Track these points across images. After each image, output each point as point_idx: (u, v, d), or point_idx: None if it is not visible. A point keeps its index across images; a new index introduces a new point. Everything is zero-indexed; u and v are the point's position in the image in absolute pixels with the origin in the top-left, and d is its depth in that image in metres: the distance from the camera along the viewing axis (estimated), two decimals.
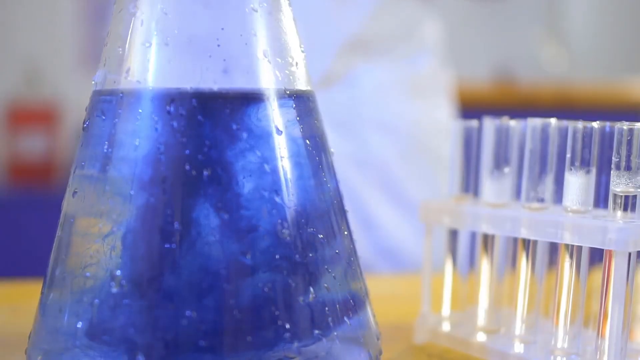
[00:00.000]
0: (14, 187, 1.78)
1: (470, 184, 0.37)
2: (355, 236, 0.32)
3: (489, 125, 0.35)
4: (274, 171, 0.28)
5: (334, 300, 0.28)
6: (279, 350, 0.26)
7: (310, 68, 0.32)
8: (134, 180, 0.27)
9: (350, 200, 0.60)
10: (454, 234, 0.37)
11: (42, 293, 0.29)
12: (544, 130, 0.33)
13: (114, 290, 0.26)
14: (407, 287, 0.54)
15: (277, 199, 0.27)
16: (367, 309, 0.31)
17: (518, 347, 0.34)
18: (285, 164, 0.28)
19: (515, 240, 0.35)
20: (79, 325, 0.27)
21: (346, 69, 0.70)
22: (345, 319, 0.29)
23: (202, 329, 0.26)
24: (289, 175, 0.28)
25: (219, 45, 0.28)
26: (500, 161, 0.35)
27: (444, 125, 0.75)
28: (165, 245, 0.26)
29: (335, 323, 0.28)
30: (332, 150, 0.32)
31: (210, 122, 0.27)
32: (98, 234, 0.27)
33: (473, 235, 0.38)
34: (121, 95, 0.28)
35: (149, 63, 0.28)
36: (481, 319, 0.36)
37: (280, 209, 0.27)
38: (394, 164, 0.72)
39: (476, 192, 0.37)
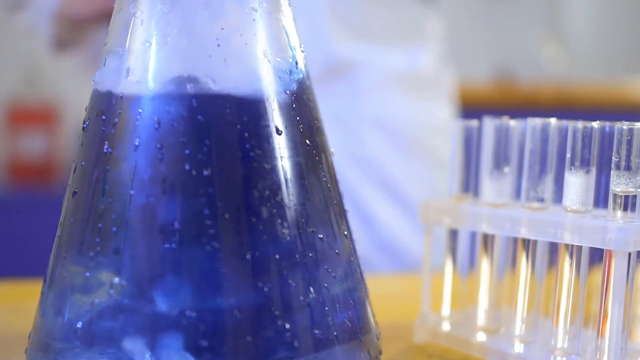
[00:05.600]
0: (14, 187, 1.78)
1: (470, 184, 0.37)
2: (354, 232, 0.32)
3: (489, 125, 0.35)
4: (274, 171, 0.28)
5: (333, 300, 0.28)
6: (279, 350, 0.26)
7: (309, 61, 0.32)
8: (134, 180, 0.27)
9: (349, 197, 0.60)
10: (454, 234, 0.37)
11: (42, 293, 0.29)
12: (544, 130, 0.33)
13: (114, 290, 0.26)
14: (407, 286, 0.54)
15: (277, 199, 0.27)
16: (367, 309, 0.31)
17: (518, 347, 0.34)
18: (285, 164, 0.28)
19: (515, 240, 0.35)
20: (79, 325, 0.27)
21: (346, 62, 0.70)
22: (345, 319, 0.29)
23: (201, 329, 0.26)
24: (288, 175, 0.28)
25: (219, 45, 0.28)
26: (500, 161, 0.35)
27: (443, 124, 0.76)
28: (165, 245, 0.26)
29: (335, 323, 0.28)
30: (332, 150, 0.32)
31: (210, 122, 0.27)
32: (98, 234, 0.27)
33: (473, 235, 0.38)
34: (121, 95, 0.28)
35: (149, 63, 0.28)
36: (481, 319, 0.36)
37: (280, 209, 0.27)
38: (393, 162, 0.72)
39: (476, 192, 0.37)
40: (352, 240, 0.31)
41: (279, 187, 0.28)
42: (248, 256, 0.26)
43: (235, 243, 0.26)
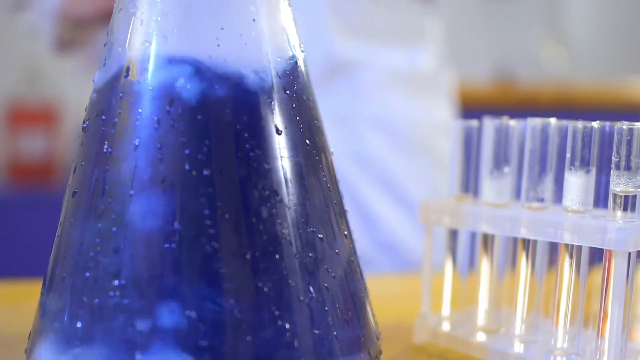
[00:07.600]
0: (14, 187, 1.78)
1: (470, 184, 0.37)
2: (354, 230, 0.32)
3: (489, 125, 0.35)
4: (274, 171, 0.28)
5: (333, 300, 0.28)
6: (279, 351, 0.26)
7: (309, 60, 0.32)
8: (134, 180, 0.27)
9: (349, 196, 0.60)
10: (454, 234, 0.37)
11: (42, 293, 0.29)
12: (544, 130, 0.33)
13: (114, 290, 0.26)
14: (407, 286, 0.54)
15: (277, 199, 0.27)
16: (367, 309, 0.31)
17: (518, 347, 0.34)
18: (284, 164, 0.28)
19: (515, 240, 0.35)
20: (79, 325, 0.27)
21: (346, 61, 0.71)
22: (345, 319, 0.29)
23: (201, 329, 0.26)
24: (288, 175, 0.28)
25: (218, 45, 0.28)
26: (500, 161, 0.35)
27: (442, 124, 0.76)
28: (165, 245, 0.26)
29: (335, 323, 0.28)
30: (331, 149, 0.32)
31: (210, 122, 0.27)
32: (98, 234, 0.27)
33: (473, 235, 0.38)
34: (121, 95, 0.28)
35: (149, 63, 0.28)
36: (481, 318, 0.36)
37: (280, 209, 0.27)
38: (393, 161, 0.72)
39: (476, 192, 0.37)
40: (352, 240, 0.31)
41: (278, 187, 0.28)
42: (248, 256, 0.26)
43: (235, 243, 0.26)
